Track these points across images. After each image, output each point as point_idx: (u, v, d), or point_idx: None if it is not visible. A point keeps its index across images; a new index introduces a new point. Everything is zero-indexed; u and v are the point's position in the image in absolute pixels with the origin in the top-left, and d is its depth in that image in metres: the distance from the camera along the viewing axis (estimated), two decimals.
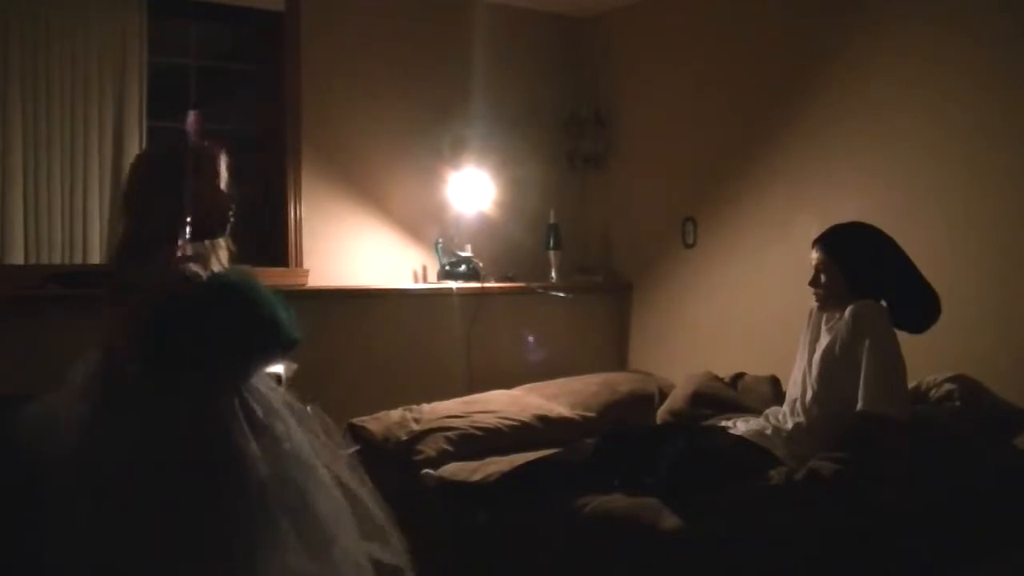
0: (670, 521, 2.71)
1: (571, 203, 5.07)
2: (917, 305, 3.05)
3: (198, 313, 2.19)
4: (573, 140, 5.05)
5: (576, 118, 5.04)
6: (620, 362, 5.01)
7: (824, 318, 3.14)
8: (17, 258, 3.78)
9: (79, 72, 3.91)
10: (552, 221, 4.87)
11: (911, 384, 3.29)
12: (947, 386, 3.22)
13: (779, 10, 4.29)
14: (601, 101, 5.05)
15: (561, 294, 4.81)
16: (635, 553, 2.74)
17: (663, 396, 4.11)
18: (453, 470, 3.48)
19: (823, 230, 3.17)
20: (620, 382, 4.33)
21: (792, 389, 3.18)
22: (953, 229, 3.65)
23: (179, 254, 2.26)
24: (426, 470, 3.40)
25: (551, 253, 4.87)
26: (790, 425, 3.06)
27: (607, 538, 2.82)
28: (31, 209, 3.82)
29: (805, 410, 3.05)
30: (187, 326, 2.17)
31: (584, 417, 4.01)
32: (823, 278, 3.07)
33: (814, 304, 3.19)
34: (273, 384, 2.40)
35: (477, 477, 3.35)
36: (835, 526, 2.62)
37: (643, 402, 4.12)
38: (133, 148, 3.99)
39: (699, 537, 2.62)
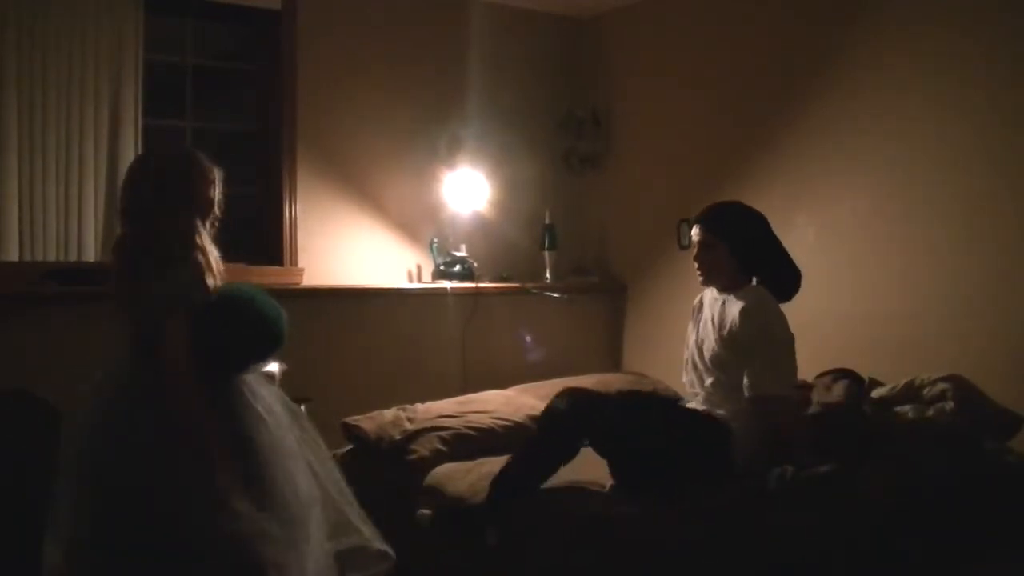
0: (666, 521, 2.72)
1: (567, 204, 5.08)
2: (789, 279, 3.18)
3: (221, 326, 2.40)
4: (569, 140, 5.05)
5: (573, 118, 5.04)
6: (614, 363, 5.01)
7: (708, 302, 3.24)
8: (12, 255, 3.77)
9: (75, 69, 3.90)
10: (547, 221, 4.88)
11: (904, 381, 3.33)
12: (940, 385, 3.23)
13: (778, 11, 4.29)
14: (598, 102, 5.06)
15: (556, 295, 4.81)
16: (629, 554, 2.75)
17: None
18: (447, 473, 3.47)
19: (703, 209, 3.26)
20: (614, 383, 4.33)
21: (694, 377, 3.26)
22: (951, 230, 3.66)
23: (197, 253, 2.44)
24: (421, 511, 3.27)
25: (546, 253, 4.88)
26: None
27: (603, 540, 2.83)
28: (26, 206, 3.81)
29: (719, 397, 3.13)
30: (212, 337, 2.38)
31: None
32: (706, 254, 3.17)
33: (697, 300, 3.33)
34: (265, 381, 2.58)
35: (466, 490, 3.33)
36: (832, 526, 2.63)
37: None
38: (128, 146, 3.99)
39: (697, 537, 2.62)
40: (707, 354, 3.15)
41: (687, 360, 3.29)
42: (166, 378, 2.32)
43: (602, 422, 2.96)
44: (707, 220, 3.20)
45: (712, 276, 3.18)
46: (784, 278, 3.17)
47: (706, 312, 3.23)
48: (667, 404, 3.21)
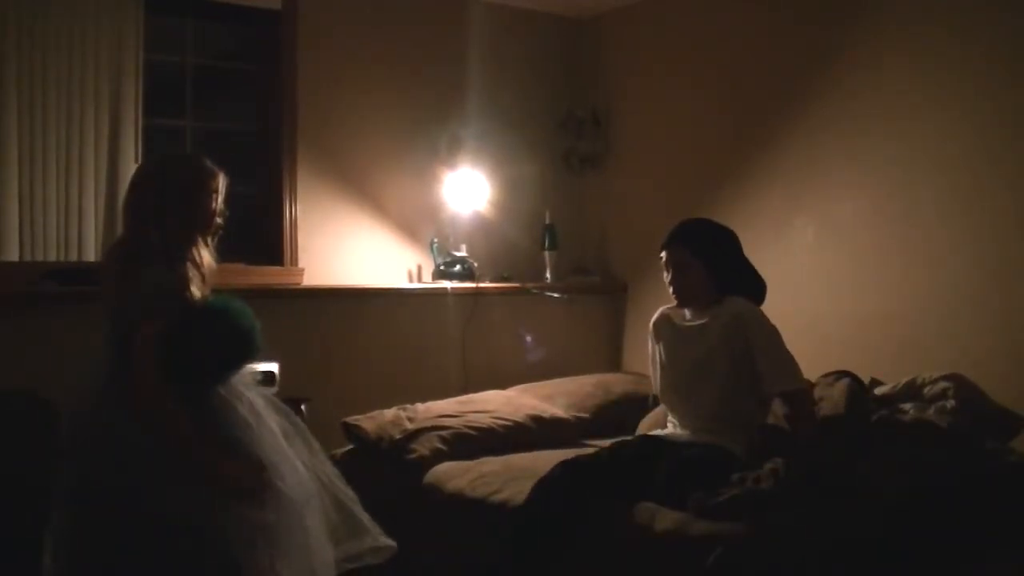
0: (666, 522, 2.72)
1: (567, 203, 5.08)
2: (759, 291, 3.18)
3: (199, 335, 2.46)
4: (570, 140, 5.05)
5: (573, 118, 5.04)
6: (615, 363, 5.02)
7: (679, 325, 3.19)
8: (12, 255, 3.77)
9: (75, 69, 3.90)
10: (548, 221, 4.88)
11: (905, 379, 3.33)
12: (942, 384, 3.23)
13: (778, 11, 4.29)
14: (598, 101, 5.06)
15: (556, 295, 4.81)
16: (632, 554, 2.75)
17: (657, 398, 4.11)
18: (447, 472, 3.47)
19: (673, 230, 3.19)
20: (614, 383, 4.34)
21: (676, 402, 3.21)
22: (951, 230, 3.67)
23: (184, 261, 2.50)
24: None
25: (547, 253, 4.87)
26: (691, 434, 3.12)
27: (605, 539, 2.83)
28: (26, 206, 3.81)
29: (710, 415, 3.09)
30: (192, 347, 2.43)
31: (578, 418, 4.01)
32: (683, 275, 3.12)
33: (656, 316, 3.29)
34: (253, 383, 2.65)
35: (466, 486, 3.33)
36: (832, 525, 2.62)
37: (637, 404, 4.12)
38: (129, 146, 3.99)
39: (696, 538, 2.62)
40: (702, 370, 3.10)
41: (666, 383, 3.23)
42: (135, 379, 2.36)
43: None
44: (681, 240, 3.15)
45: (689, 296, 3.14)
46: (755, 290, 3.16)
47: (684, 333, 3.17)
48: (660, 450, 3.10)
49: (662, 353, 3.25)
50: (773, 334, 3.05)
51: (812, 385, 3.32)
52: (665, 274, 3.16)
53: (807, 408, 3.07)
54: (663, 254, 3.17)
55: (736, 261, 3.18)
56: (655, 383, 3.33)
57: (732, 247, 3.19)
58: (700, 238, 3.15)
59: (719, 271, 3.11)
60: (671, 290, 3.15)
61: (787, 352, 3.03)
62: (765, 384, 3.03)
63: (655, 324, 3.30)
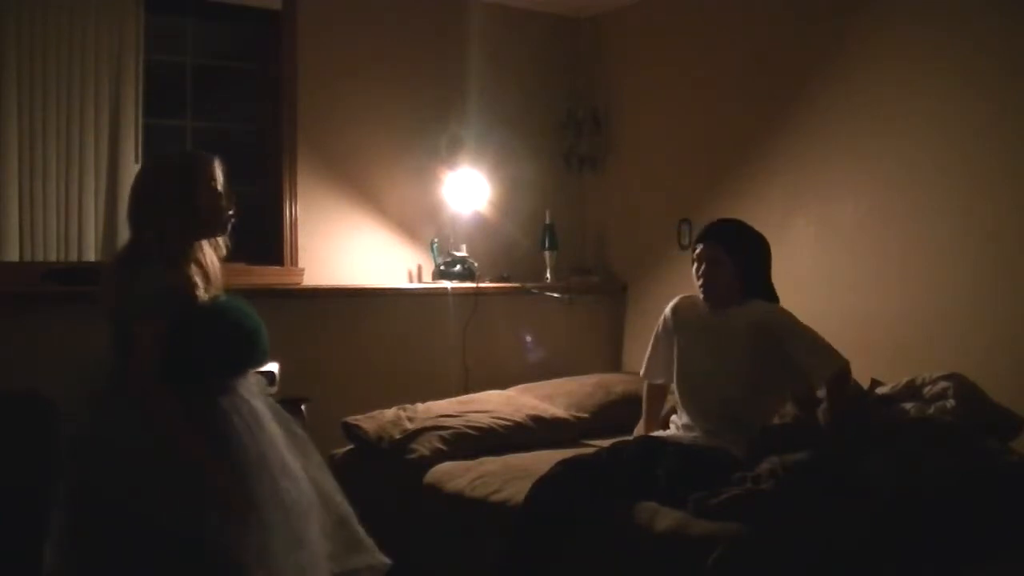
0: (666, 522, 2.72)
1: (567, 203, 5.08)
2: (773, 300, 3.20)
3: (204, 335, 2.44)
4: (569, 140, 5.06)
5: (573, 118, 5.04)
6: (615, 363, 5.02)
7: (706, 319, 3.20)
8: (12, 255, 3.77)
9: (76, 69, 3.90)
10: (548, 221, 4.88)
11: (905, 379, 3.33)
12: (942, 383, 3.23)
13: (778, 11, 4.29)
14: (598, 101, 5.06)
15: (556, 295, 4.81)
16: (632, 554, 2.75)
17: (650, 384, 4.10)
18: (447, 471, 3.47)
19: (709, 225, 3.22)
20: (615, 383, 4.34)
21: (686, 392, 3.21)
22: (952, 229, 3.66)
23: (187, 261, 2.47)
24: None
25: (547, 253, 4.88)
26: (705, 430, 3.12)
27: (605, 539, 2.83)
28: (27, 206, 3.82)
29: (715, 415, 3.10)
30: (196, 347, 2.42)
31: (578, 418, 4.02)
32: (714, 271, 3.13)
33: (677, 300, 3.32)
34: (254, 389, 2.59)
35: (466, 487, 3.33)
36: (832, 525, 2.62)
37: (637, 404, 4.12)
38: (129, 146, 4.00)
39: (696, 538, 2.62)
40: (718, 369, 3.10)
41: (680, 373, 3.24)
42: (133, 378, 2.34)
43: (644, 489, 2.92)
44: (716, 236, 3.17)
45: (715, 292, 3.15)
46: (773, 299, 3.19)
47: (711, 327, 3.18)
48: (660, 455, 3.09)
49: (680, 342, 3.25)
50: (805, 326, 3.06)
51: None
52: (695, 267, 3.17)
53: (848, 385, 3.08)
54: (698, 247, 3.18)
55: (764, 269, 3.20)
56: (647, 363, 3.39)
57: (764, 254, 3.20)
58: (737, 238, 3.17)
59: (748, 274, 3.13)
60: (699, 284, 3.16)
61: (816, 335, 3.05)
62: (812, 377, 3.05)
63: (677, 308, 3.30)
